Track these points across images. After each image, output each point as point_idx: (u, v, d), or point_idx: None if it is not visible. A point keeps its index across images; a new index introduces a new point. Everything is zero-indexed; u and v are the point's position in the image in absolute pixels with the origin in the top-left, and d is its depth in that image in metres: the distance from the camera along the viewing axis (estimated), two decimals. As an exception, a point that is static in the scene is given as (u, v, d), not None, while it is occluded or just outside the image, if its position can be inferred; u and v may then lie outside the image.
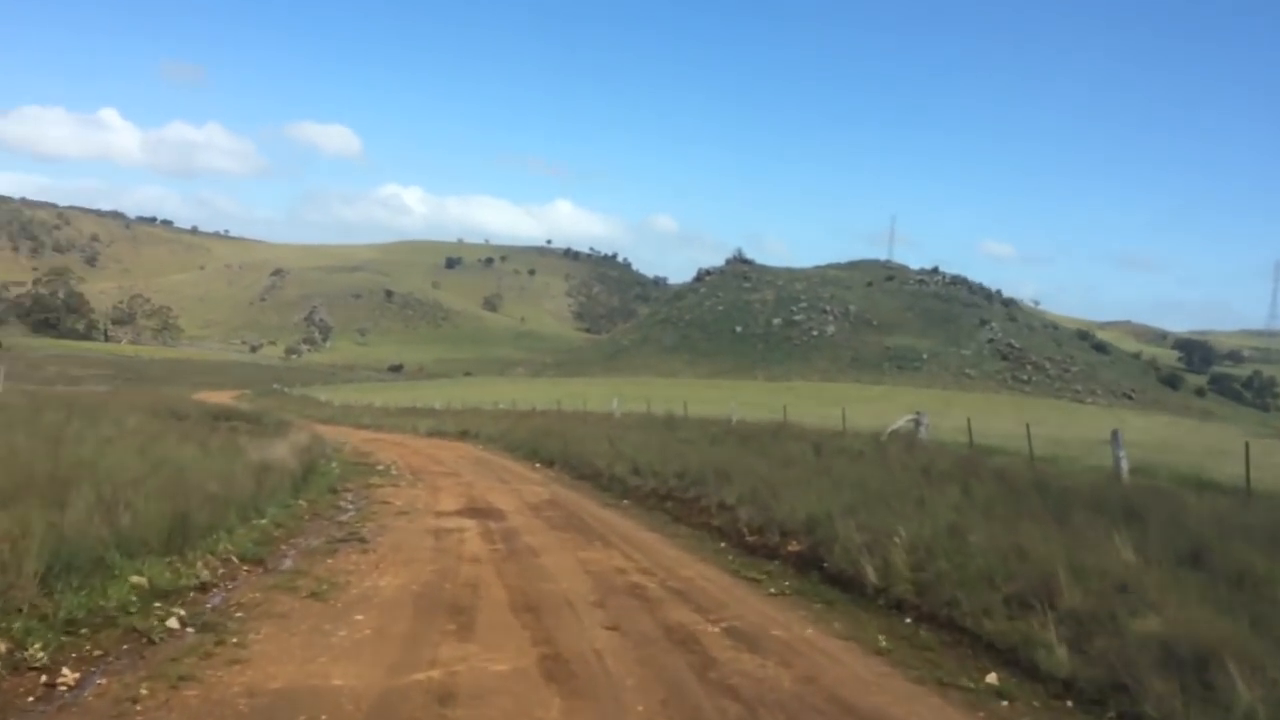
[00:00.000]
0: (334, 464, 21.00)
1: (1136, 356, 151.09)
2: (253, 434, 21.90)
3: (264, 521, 11.12)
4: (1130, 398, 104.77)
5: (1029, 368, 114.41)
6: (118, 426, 18.19)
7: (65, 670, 5.67)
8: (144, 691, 5.47)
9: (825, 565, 9.98)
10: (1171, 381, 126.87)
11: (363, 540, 11.27)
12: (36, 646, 5.76)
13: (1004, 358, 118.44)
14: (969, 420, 20.72)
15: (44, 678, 5.54)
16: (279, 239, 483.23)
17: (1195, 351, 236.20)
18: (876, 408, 51.15)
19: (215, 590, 8.07)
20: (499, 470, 22.91)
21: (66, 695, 5.41)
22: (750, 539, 12.10)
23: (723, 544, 12.38)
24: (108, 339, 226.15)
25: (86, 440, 13.04)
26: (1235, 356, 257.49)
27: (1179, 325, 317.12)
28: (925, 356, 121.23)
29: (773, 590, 9.36)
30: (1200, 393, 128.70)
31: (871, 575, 8.95)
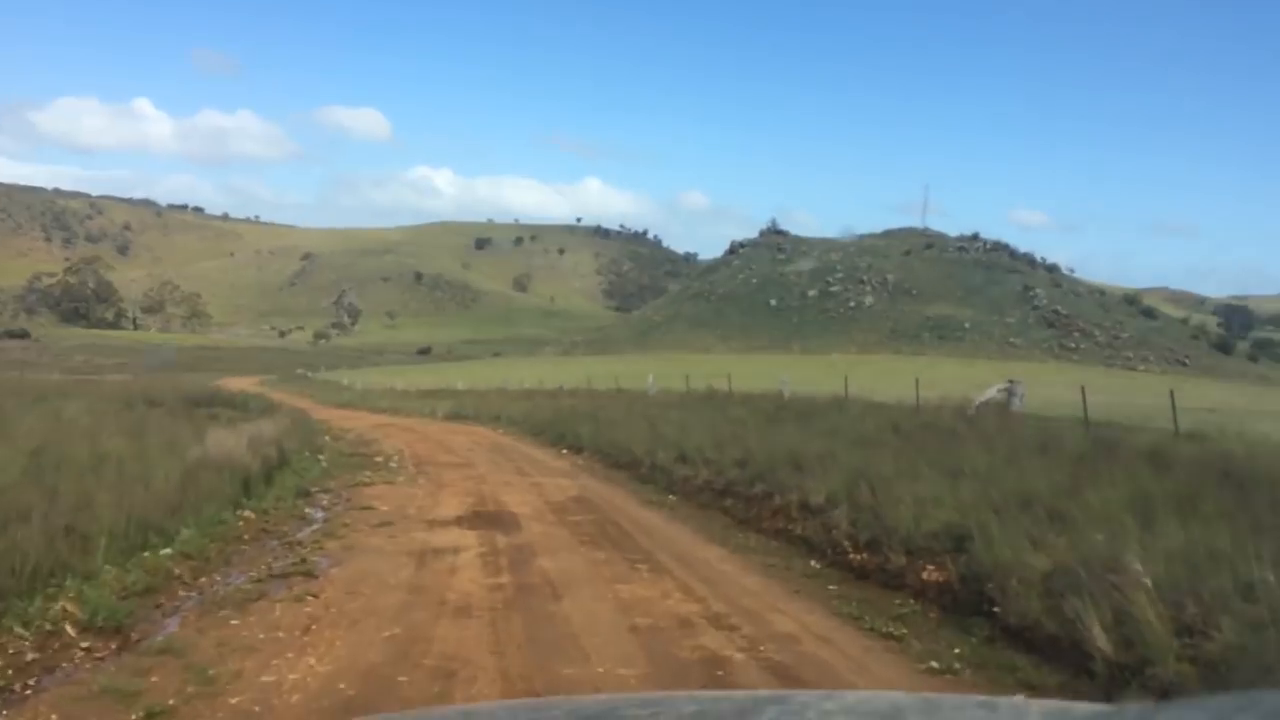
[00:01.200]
0: (321, 456, 17.72)
1: (1184, 322, 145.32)
2: (231, 421, 18.66)
3: (168, 551, 7.77)
4: (1184, 364, 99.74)
5: (1076, 335, 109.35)
6: (54, 417, 14.98)
7: None
8: None
9: (996, 609, 6.49)
10: (1224, 346, 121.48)
11: (309, 574, 7.92)
12: None
13: (1050, 325, 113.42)
14: (1082, 390, 16.99)
15: None
16: (309, 224, 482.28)
17: (1235, 316, 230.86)
18: (929, 376, 47.32)
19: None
20: (519, 458, 19.52)
21: None
22: (856, 557, 8.61)
23: (817, 563, 8.91)
24: (136, 327, 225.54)
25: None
26: (1277, 321, 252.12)
27: (1216, 290, 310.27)
28: (967, 326, 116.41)
29: (934, 664, 5.84)
30: (1253, 358, 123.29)
31: (1101, 640, 5.41)
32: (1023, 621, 6.18)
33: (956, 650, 6.06)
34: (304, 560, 8.47)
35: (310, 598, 7.05)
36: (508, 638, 6.10)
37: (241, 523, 9.72)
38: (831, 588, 8.00)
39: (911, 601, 7.31)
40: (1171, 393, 16.06)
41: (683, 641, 6.14)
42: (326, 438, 22.98)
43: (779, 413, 20.95)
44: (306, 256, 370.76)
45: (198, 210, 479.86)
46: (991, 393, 19.64)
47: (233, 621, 6.29)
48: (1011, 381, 19.91)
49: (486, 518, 11.51)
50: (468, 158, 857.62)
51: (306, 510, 11.65)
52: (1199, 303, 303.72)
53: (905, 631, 6.50)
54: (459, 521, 11.19)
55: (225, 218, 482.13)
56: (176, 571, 7.41)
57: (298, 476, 13.65)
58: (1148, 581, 5.46)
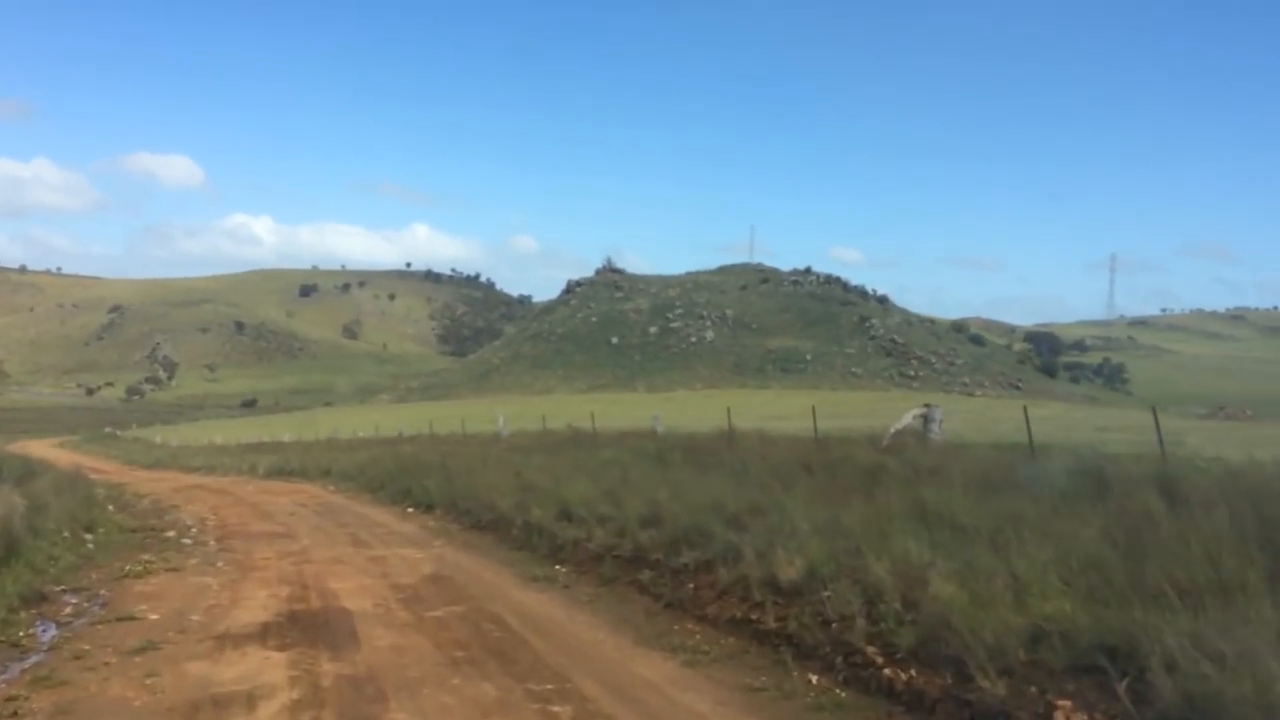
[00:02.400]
0: (91, 535, 13.52)
1: (1009, 348, 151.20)
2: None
3: None
4: (1018, 388, 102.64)
5: (914, 362, 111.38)
6: None
7: None
8: None
9: None
10: (1049, 370, 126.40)
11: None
12: None
13: (889, 354, 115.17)
14: (1024, 411, 14.58)
15: None
16: (118, 275, 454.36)
17: (1044, 343, 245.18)
18: (788, 408, 45.42)
19: None
20: (354, 523, 15.75)
21: None
22: (897, 675, 5.55)
23: (823, 680, 5.82)
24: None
25: None
26: (1080, 346, 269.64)
27: (1021, 320, 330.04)
28: (809, 357, 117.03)
29: None
30: (1075, 380, 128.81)
31: None
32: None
33: None
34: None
35: None
36: None
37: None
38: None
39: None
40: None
41: None
42: (110, 507, 18.54)
43: (664, 453, 17.88)
44: (115, 309, 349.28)
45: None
46: (907, 420, 17.09)
47: None
48: (928, 406, 17.43)
49: (307, 623, 7.95)
50: (289, 205, 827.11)
51: (31, 629, 7.80)
52: (1010, 331, 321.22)
53: None
54: (265, 633, 7.59)
55: (23, 269, 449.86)
56: None
57: (34, 572, 9.65)
58: None
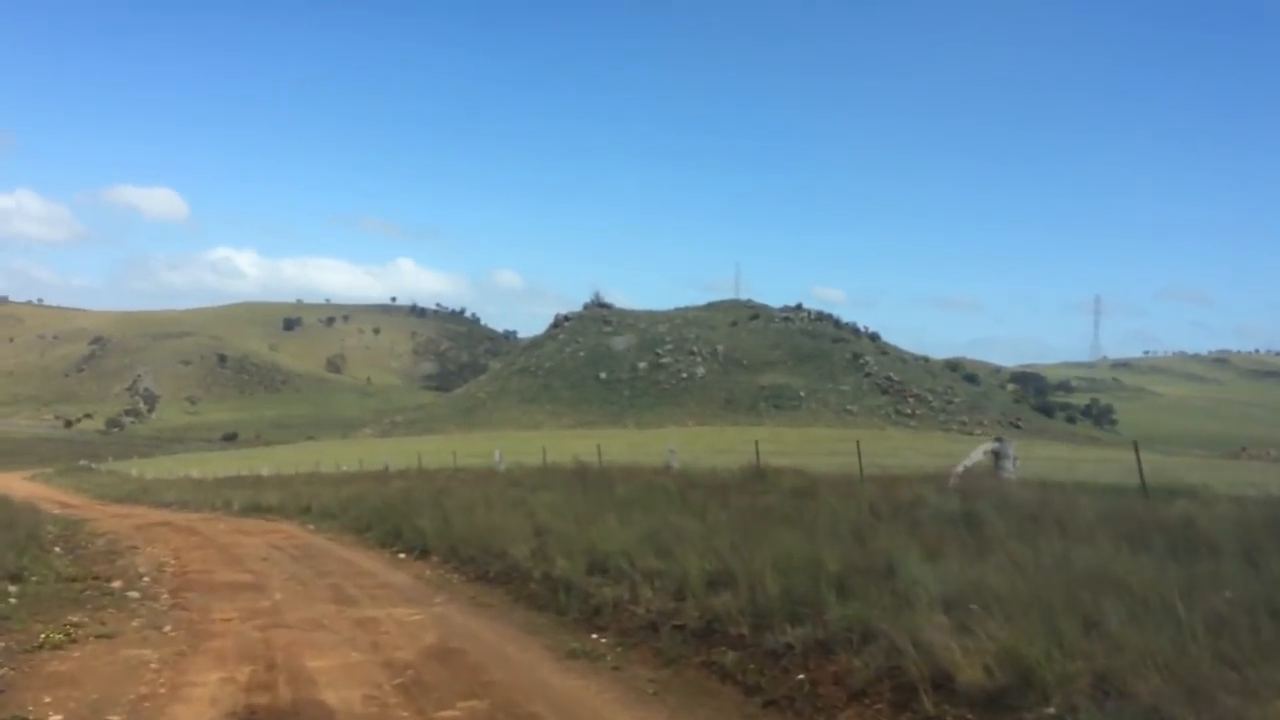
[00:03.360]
0: (15, 586, 11.11)
1: (1003, 387, 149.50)
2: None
3: None
4: (1019, 427, 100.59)
5: (911, 400, 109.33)
6: None
7: None
8: None
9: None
10: (1045, 410, 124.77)
11: None
12: None
13: (884, 391, 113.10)
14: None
15: None
16: (99, 306, 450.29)
17: (1029, 384, 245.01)
18: (787, 443, 43.14)
19: None
20: (337, 572, 13.36)
21: None
22: None
23: None
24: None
25: None
26: (1065, 387, 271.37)
27: (1003, 360, 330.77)
28: (803, 394, 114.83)
29: None
30: (1071, 419, 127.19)
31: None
32: None
33: None
34: None
35: None
36: None
37: None
38: None
39: None
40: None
41: None
42: (57, 549, 16.11)
43: (688, 492, 15.57)
44: (96, 340, 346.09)
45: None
46: (977, 456, 14.84)
47: None
48: (1000, 441, 15.19)
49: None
50: (272, 238, 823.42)
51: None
52: (995, 371, 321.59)
53: None
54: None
55: (4, 300, 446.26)
56: None
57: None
58: None
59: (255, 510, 27.49)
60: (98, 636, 8.73)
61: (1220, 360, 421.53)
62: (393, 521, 17.52)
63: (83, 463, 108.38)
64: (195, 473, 63.58)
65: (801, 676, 6.09)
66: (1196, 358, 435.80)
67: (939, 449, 40.52)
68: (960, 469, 14.84)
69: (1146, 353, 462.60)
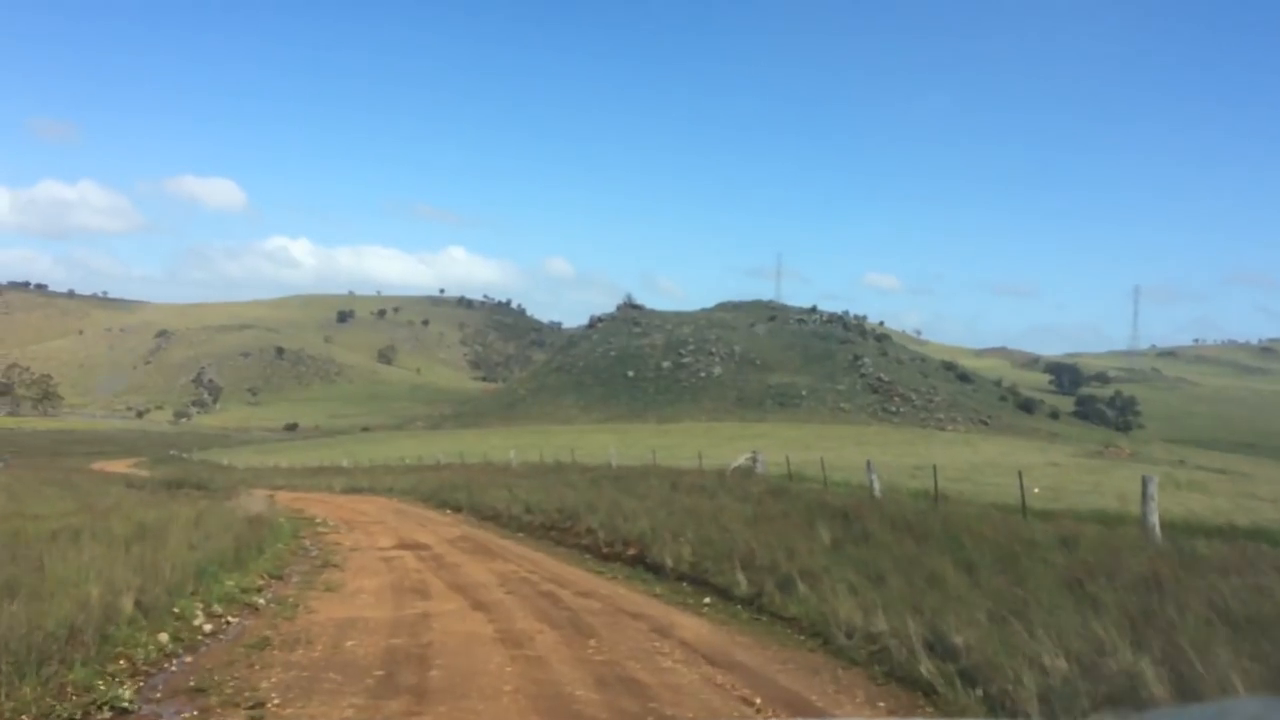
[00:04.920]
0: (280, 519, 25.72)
1: (997, 384, 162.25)
2: (212, 496, 26.46)
3: (269, 553, 16.14)
4: (986, 423, 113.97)
5: (896, 399, 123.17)
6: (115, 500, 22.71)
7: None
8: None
9: (647, 560, 15.49)
10: (1027, 406, 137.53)
11: (336, 566, 16.34)
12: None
13: (874, 391, 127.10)
14: (787, 457, 26.65)
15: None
16: (160, 298, 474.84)
17: (1064, 374, 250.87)
18: (743, 446, 57.38)
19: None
20: (416, 518, 27.91)
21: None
22: (605, 550, 17.54)
23: (587, 556, 17.78)
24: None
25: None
26: (1102, 378, 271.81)
27: (1053, 349, 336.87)
28: (804, 393, 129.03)
29: (610, 576, 14.83)
30: (1055, 415, 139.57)
31: (669, 561, 14.51)
32: (653, 563, 15.18)
33: (622, 573, 15.12)
34: (327, 562, 16.87)
35: (336, 571, 15.55)
36: (438, 577, 14.78)
37: (284, 550, 18.03)
38: (589, 563, 16.87)
39: (618, 564, 16.30)
40: (821, 459, 25.61)
41: (514, 578, 14.91)
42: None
43: (601, 479, 29.85)
44: (162, 333, 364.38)
45: (40, 288, 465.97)
46: (741, 460, 29.13)
47: (313, 576, 14.79)
48: (754, 451, 29.40)
49: (410, 545, 20.02)
50: (327, 227, 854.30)
51: (306, 544, 19.90)
52: (1033, 361, 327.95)
53: (606, 570, 15.47)
54: (394, 548, 19.67)
55: (71, 295, 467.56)
56: (284, 557, 15.83)
57: (285, 527, 21.82)
58: (687, 540, 14.64)
59: (354, 491, 42.32)
60: (333, 533, 23.20)
61: (1268, 350, 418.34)
62: (442, 495, 32.18)
63: (172, 453, 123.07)
64: (284, 462, 78.64)
65: (564, 534, 20.39)
66: (1245, 347, 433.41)
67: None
68: (732, 465, 29.06)
69: (1196, 341, 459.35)
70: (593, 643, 9.43)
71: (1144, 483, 13.33)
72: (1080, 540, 11.87)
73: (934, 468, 18.95)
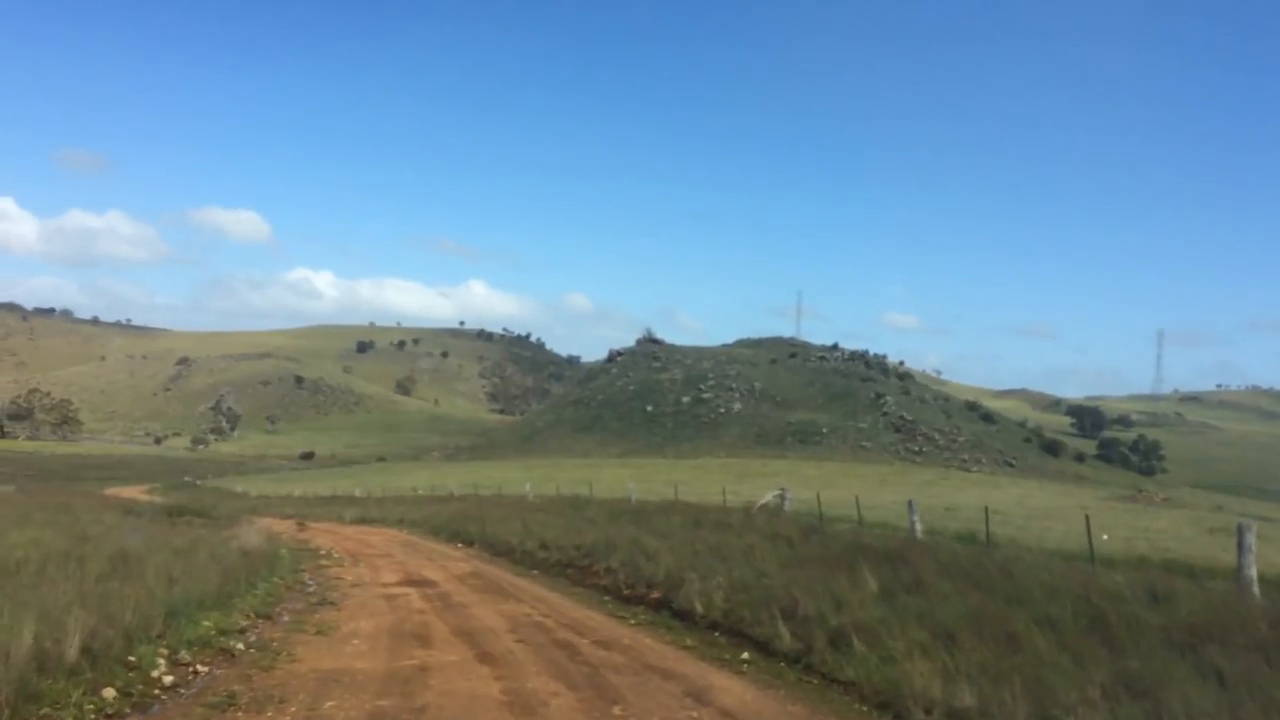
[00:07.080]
0: (282, 550, 24.36)
1: (1022, 425, 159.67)
2: (212, 526, 25.15)
3: (260, 589, 14.74)
4: (1011, 465, 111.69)
5: (920, 439, 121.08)
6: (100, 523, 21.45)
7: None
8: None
9: (672, 605, 14.00)
10: (1052, 448, 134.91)
11: (333, 604, 14.92)
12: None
13: (897, 430, 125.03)
14: (818, 495, 25.10)
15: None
16: (183, 326, 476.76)
17: (1086, 417, 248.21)
18: (763, 483, 55.72)
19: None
20: (426, 551, 26.48)
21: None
22: (626, 592, 16.05)
23: (607, 598, 16.29)
24: (4, 435, 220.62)
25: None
26: (1125, 421, 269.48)
27: (1074, 392, 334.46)
28: (825, 431, 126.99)
29: (633, 622, 13.34)
30: (1080, 458, 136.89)
31: (699, 607, 13.02)
32: (681, 608, 13.68)
33: (646, 619, 13.60)
34: (324, 599, 15.46)
35: (332, 610, 14.14)
36: (443, 620, 13.34)
37: (279, 585, 16.64)
38: (609, 606, 15.37)
39: (641, 607, 14.79)
40: (857, 498, 24.08)
41: (527, 621, 13.45)
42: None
43: (621, 514, 28.37)
44: (182, 360, 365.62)
45: (66, 314, 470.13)
46: (768, 497, 27.58)
47: (305, 616, 13.37)
48: (783, 489, 27.86)
49: (417, 583, 18.59)
50: (349, 260, 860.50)
51: (305, 579, 18.50)
52: (1055, 404, 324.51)
53: (629, 615, 13.97)
54: (399, 584, 18.24)
55: (95, 321, 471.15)
56: (277, 593, 14.43)
57: (285, 560, 20.44)
58: (721, 583, 13.13)
59: (363, 521, 40.93)
60: (337, 566, 21.79)
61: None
62: (454, 528, 30.71)
63: (186, 479, 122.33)
64: (297, 491, 77.42)
65: (582, 573, 18.89)
66: (1270, 393, 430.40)
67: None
68: (759, 503, 27.51)
69: (1219, 386, 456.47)
70: (617, 710, 7.99)
71: (1239, 531, 11.89)
72: (1176, 596, 10.29)
73: (985, 509, 17.42)
